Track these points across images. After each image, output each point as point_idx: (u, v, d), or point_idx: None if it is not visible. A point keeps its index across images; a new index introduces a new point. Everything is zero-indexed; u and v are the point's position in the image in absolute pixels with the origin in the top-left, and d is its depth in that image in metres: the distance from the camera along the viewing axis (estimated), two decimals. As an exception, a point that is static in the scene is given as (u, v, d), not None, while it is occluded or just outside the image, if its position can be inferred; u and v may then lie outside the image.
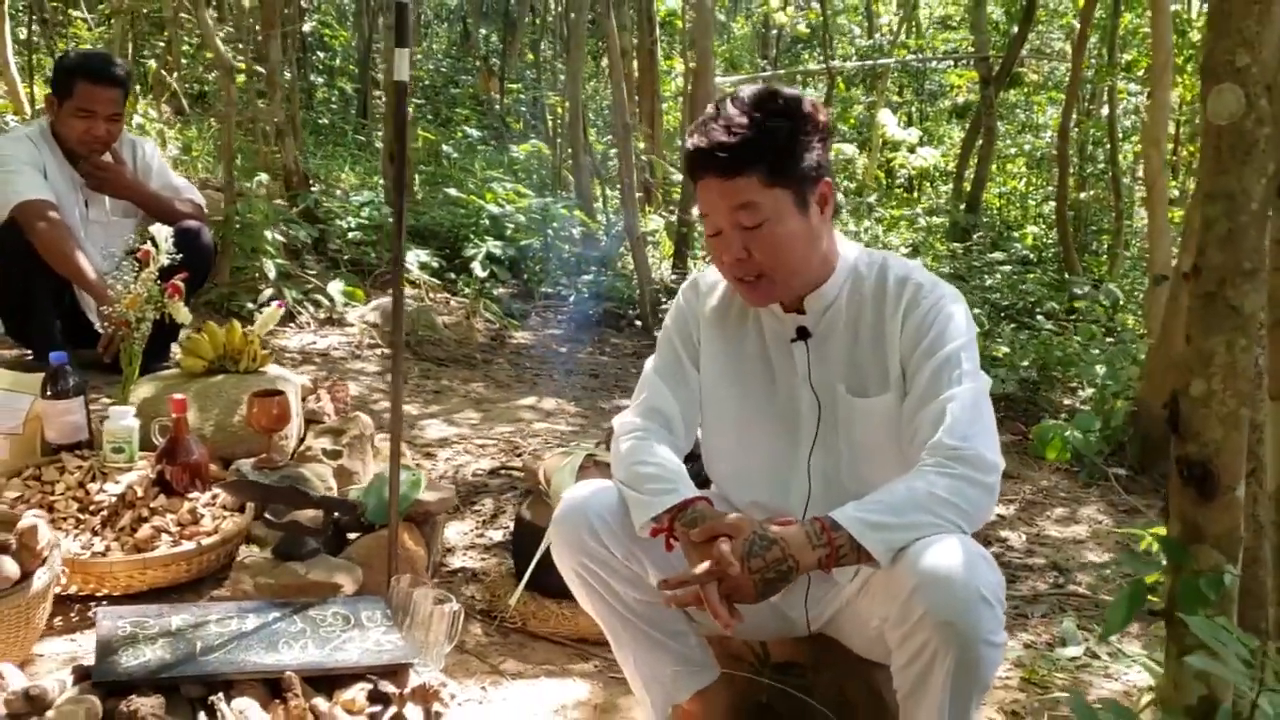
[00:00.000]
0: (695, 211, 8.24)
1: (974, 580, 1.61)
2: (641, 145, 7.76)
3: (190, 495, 2.85)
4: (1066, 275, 8.41)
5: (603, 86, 13.50)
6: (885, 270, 1.95)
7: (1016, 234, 10.99)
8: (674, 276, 6.94)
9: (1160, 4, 4.69)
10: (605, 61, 12.08)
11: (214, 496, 2.87)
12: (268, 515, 2.67)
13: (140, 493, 2.79)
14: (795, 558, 1.69)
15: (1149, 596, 1.28)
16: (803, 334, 1.96)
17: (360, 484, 3.46)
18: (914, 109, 15.04)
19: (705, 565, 1.72)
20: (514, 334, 5.93)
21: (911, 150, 11.30)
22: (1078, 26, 10.36)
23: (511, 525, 3.32)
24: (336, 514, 2.68)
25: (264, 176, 5.36)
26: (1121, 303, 6.69)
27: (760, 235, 1.83)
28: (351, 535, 2.77)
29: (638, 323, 6.24)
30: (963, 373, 1.82)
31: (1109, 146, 10.06)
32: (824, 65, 10.28)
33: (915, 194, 12.79)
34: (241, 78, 6.05)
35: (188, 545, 2.63)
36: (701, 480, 2.10)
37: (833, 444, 1.95)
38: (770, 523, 1.76)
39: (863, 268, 1.96)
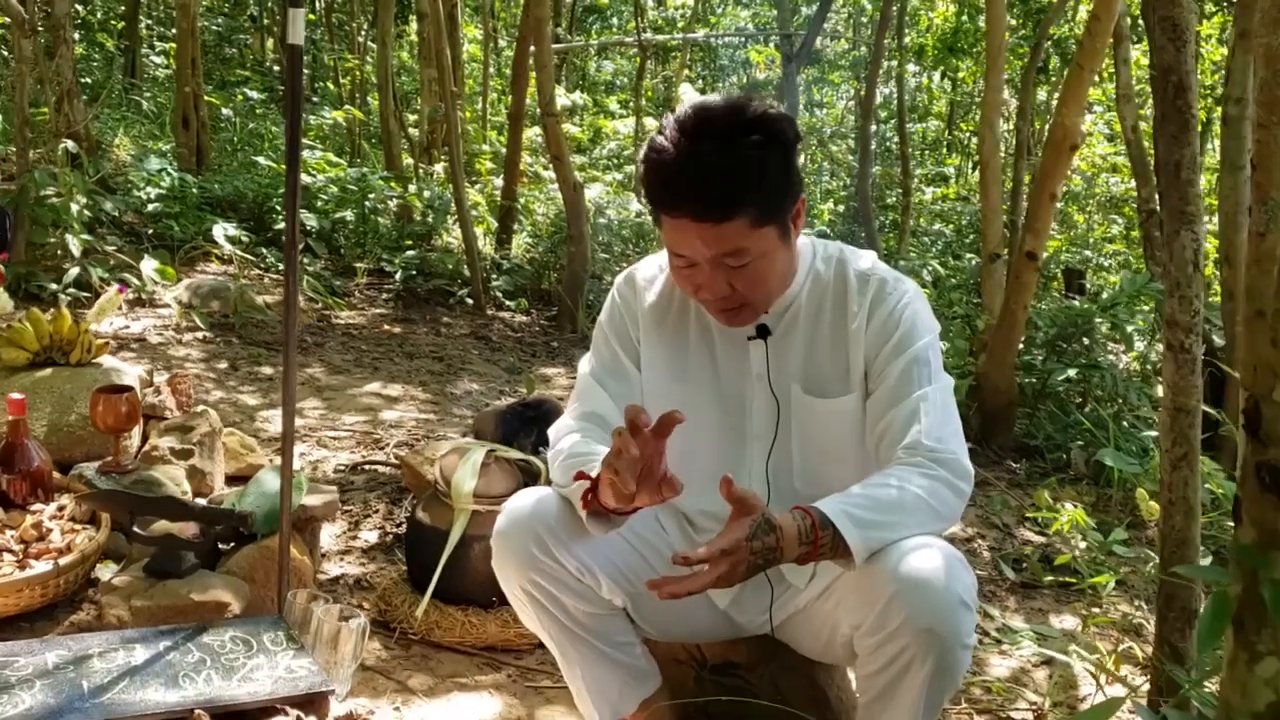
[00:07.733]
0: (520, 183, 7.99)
1: (953, 585, 1.56)
2: (468, 115, 7.48)
3: (33, 508, 2.53)
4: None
5: (397, 49, 12.98)
6: (844, 265, 1.86)
7: (815, 211, 11.25)
8: (502, 253, 6.71)
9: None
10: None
11: (60, 508, 2.55)
12: (135, 528, 2.39)
13: (-28, 508, 2.46)
14: (782, 549, 1.55)
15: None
16: (762, 332, 1.85)
17: (214, 485, 3.18)
18: (705, 84, 15.18)
19: (725, 542, 1.52)
20: (340, 314, 5.59)
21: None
22: (869, 8, 10.66)
23: (387, 526, 3.12)
24: (219, 526, 2.42)
25: (70, 143, 4.81)
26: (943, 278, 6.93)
27: (745, 273, 1.69)
28: (223, 545, 2.52)
29: (469, 300, 5.99)
30: (932, 371, 1.77)
31: (898, 124, 10.43)
32: (636, 37, 10.15)
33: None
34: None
35: (42, 567, 2.32)
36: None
37: (786, 447, 1.87)
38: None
39: (820, 263, 1.87)
